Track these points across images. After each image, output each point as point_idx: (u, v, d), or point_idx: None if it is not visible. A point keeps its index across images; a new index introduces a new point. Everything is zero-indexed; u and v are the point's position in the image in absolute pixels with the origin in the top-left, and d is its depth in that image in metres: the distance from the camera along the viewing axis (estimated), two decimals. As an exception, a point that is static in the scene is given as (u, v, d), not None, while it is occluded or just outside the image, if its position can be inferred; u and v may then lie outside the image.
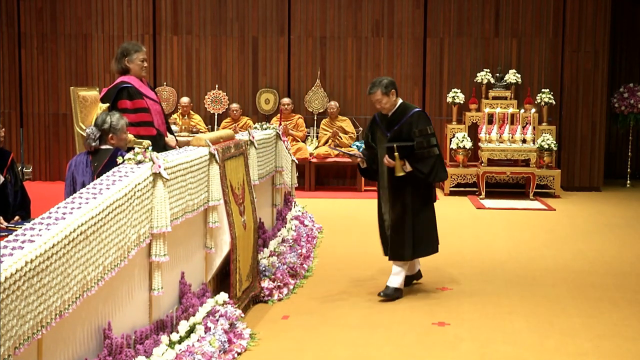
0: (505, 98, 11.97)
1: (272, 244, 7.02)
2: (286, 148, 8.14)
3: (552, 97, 11.88)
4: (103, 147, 5.47)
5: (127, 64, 6.26)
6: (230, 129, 11.35)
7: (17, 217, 6.23)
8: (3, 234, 5.45)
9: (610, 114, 12.73)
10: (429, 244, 6.50)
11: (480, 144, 11.37)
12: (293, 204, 8.58)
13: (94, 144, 5.44)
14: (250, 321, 5.68)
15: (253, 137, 6.87)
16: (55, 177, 12.50)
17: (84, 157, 5.48)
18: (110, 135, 5.48)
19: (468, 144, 11.65)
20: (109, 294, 4.09)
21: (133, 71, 6.28)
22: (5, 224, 6.00)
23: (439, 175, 6.37)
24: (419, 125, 6.31)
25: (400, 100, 6.47)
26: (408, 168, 6.27)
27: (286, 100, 12.21)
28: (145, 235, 4.41)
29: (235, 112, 12.19)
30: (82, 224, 3.66)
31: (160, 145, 6.12)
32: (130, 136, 5.77)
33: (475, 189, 11.58)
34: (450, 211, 10.30)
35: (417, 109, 6.41)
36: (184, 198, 4.96)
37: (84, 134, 5.96)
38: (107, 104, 6.18)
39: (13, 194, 6.28)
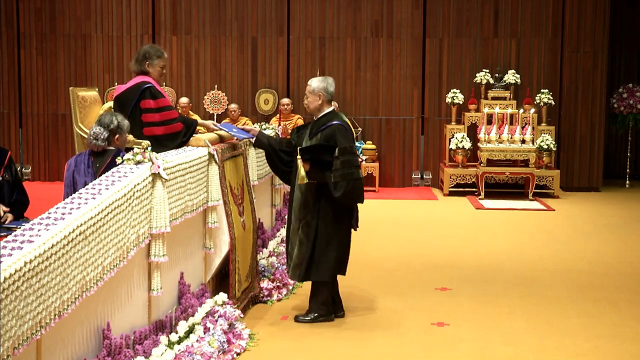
0: (505, 98, 11.97)
1: (272, 244, 7.02)
2: (285, 148, 8.13)
3: (551, 98, 11.87)
4: (108, 148, 5.47)
5: (147, 67, 6.23)
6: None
7: (9, 217, 6.14)
8: (2, 234, 5.45)
9: (609, 115, 12.73)
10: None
11: (479, 144, 11.37)
12: (292, 204, 8.57)
13: (102, 144, 5.41)
14: (250, 321, 5.68)
15: (252, 138, 6.86)
16: (54, 177, 12.48)
17: (84, 157, 5.45)
18: (117, 136, 5.47)
19: (467, 144, 11.64)
20: (108, 295, 4.09)
21: (152, 75, 6.25)
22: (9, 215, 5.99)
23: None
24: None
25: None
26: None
27: (285, 100, 12.20)
28: (145, 235, 4.41)
29: (234, 112, 12.19)
30: (81, 225, 3.66)
31: (185, 137, 6.01)
32: (130, 137, 5.76)
33: (474, 189, 11.58)
34: (449, 211, 10.30)
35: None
36: (183, 198, 4.96)
37: (85, 135, 5.95)
38: (109, 104, 6.15)
39: (10, 193, 6.26)
